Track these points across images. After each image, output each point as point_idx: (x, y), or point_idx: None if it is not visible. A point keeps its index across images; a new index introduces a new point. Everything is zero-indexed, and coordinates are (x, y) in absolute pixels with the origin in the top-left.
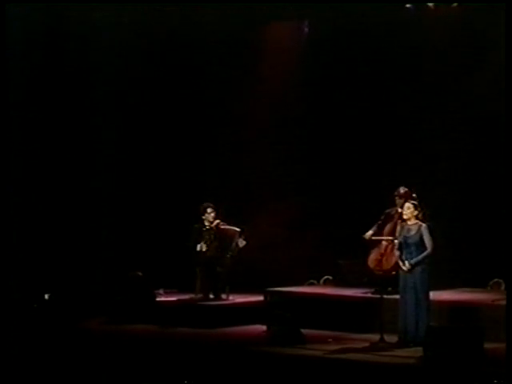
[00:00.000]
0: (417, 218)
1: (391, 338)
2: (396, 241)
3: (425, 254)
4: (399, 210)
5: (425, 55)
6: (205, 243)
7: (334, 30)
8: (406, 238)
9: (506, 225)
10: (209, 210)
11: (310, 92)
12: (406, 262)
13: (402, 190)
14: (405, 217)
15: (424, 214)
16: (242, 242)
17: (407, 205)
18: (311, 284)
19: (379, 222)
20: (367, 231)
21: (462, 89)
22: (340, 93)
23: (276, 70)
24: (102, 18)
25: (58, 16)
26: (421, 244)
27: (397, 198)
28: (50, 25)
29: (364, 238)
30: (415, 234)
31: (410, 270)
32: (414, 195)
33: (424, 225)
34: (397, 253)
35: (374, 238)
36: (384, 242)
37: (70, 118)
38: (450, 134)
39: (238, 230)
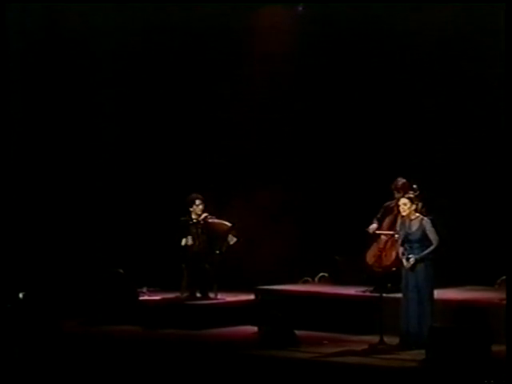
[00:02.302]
0: (416, 211)
1: (392, 340)
2: (396, 235)
3: (430, 248)
4: (398, 203)
5: (423, 42)
6: (191, 237)
7: (330, 13)
8: (407, 234)
9: (508, 222)
10: (197, 201)
11: (302, 78)
12: (411, 258)
13: (399, 181)
14: (403, 214)
15: (423, 206)
16: (232, 239)
17: (403, 201)
18: (306, 282)
19: (378, 216)
20: (368, 225)
21: (462, 78)
22: (334, 78)
23: (265, 56)
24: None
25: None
26: (424, 239)
27: (395, 191)
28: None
29: (368, 232)
30: (417, 229)
31: (412, 267)
32: (414, 186)
33: (426, 219)
34: (401, 249)
35: (377, 232)
36: (383, 237)
37: (59, 115)
38: (455, 122)
39: (228, 224)
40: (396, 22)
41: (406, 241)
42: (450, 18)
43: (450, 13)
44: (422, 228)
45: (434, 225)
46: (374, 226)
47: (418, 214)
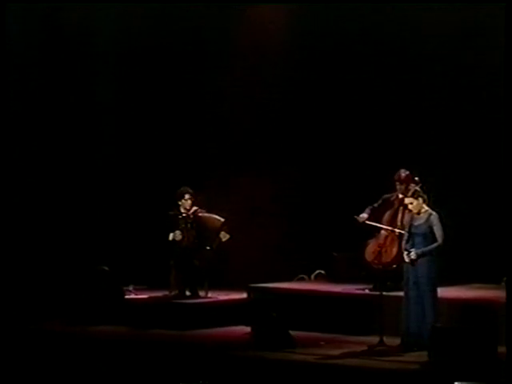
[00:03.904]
0: (424, 202)
1: (392, 341)
2: (397, 230)
3: (435, 245)
4: (400, 196)
5: (419, 34)
6: (179, 232)
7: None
8: (411, 226)
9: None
10: (186, 196)
11: (296, 69)
12: (412, 252)
13: (402, 173)
14: (415, 211)
15: (429, 198)
16: (224, 235)
17: (408, 201)
18: (301, 279)
19: (375, 205)
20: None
21: (463, 67)
22: (329, 67)
23: (256, 51)
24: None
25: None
26: (429, 234)
27: (397, 183)
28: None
29: (357, 220)
30: (424, 223)
31: (413, 262)
32: (416, 179)
33: (434, 213)
34: (405, 246)
35: (367, 222)
36: (383, 232)
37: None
38: (457, 110)
39: (221, 220)
40: (392, 13)
41: (411, 234)
42: (450, 16)
43: (450, 11)
44: (428, 223)
45: (440, 221)
46: (365, 215)
47: (426, 208)
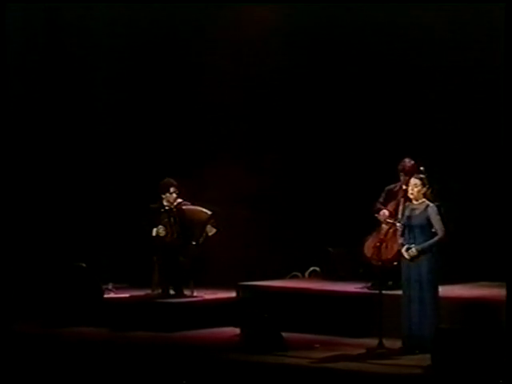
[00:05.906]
0: (424, 196)
1: (392, 343)
2: (398, 224)
3: (435, 239)
4: (403, 187)
5: (419, 30)
6: (163, 227)
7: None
8: (408, 217)
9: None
10: (171, 189)
11: (287, 58)
12: (413, 248)
13: (407, 163)
14: (411, 196)
15: (433, 191)
16: (211, 230)
17: (414, 181)
18: (294, 277)
19: (381, 201)
20: (369, 211)
21: (465, 61)
22: (325, 57)
23: (246, 43)
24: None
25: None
26: (427, 227)
27: (401, 173)
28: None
29: (378, 219)
30: (420, 214)
31: (414, 259)
32: (421, 168)
33: (432, 205)
34: (400, 240)
35: (389, 220)
36: (384, 226)
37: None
38: (459, 105)
39: (208, 212)
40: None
41: (408, 226)
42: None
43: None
44: (425, 215)
45: (440, 213)
46: (386, 212)
47: (424, 199)
